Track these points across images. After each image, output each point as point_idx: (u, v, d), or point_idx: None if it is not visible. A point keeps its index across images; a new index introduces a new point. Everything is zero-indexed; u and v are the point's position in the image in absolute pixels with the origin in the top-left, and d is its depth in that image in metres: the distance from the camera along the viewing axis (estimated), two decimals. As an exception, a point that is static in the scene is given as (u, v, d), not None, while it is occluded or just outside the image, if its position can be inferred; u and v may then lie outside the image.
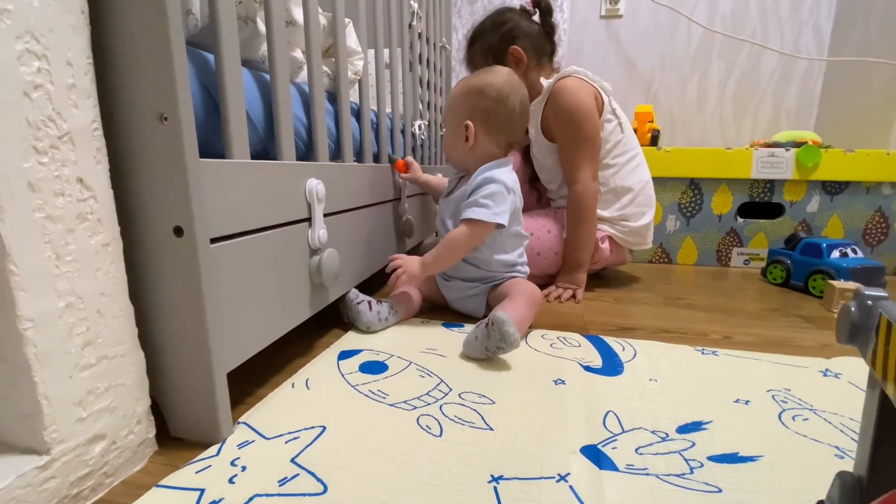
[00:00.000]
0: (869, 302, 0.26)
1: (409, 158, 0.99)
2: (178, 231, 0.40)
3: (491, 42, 1.07)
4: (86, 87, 0.37)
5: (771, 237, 1.34)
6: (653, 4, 1.77)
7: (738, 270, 1.34)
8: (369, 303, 0.74)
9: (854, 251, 1.03)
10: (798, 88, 1.76)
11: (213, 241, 0.43)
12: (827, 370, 0.62)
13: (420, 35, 1.26)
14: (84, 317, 0.37)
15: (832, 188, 1.30)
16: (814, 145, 1.28)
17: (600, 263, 1.07)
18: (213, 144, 0.48)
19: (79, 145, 0.36)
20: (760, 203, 1.35)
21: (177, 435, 0.46)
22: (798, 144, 1.30)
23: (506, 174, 0.78)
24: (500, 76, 0.79)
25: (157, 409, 0.45)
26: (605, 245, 1.05)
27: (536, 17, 1.09)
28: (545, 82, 1.05)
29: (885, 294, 0.26)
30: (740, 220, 1.35)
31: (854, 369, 0.63)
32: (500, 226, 0.75)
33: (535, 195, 1.23)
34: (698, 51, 1.81)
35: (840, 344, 0.27)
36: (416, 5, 1.18)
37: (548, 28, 1.08)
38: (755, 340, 0.75)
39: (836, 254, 1.02)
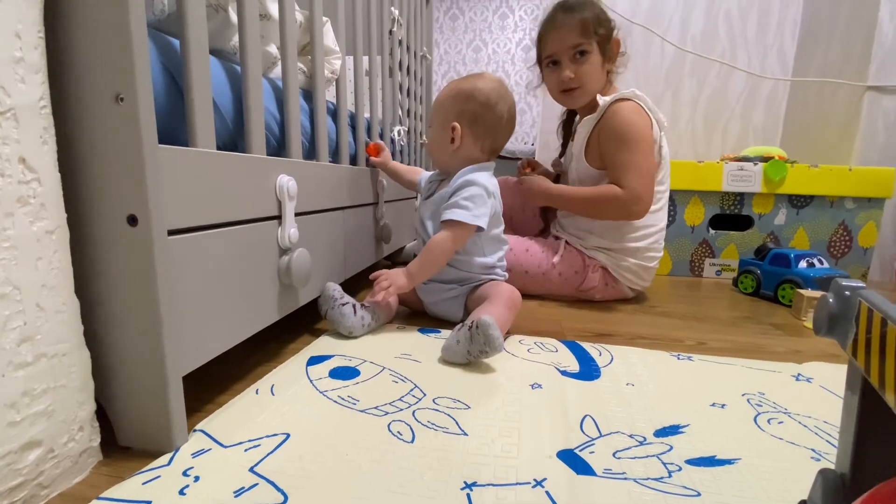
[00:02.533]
0: (847, 292, 0.26)
1: (381, 143, 0.98)
2: (132, 220, 0.38)
3: (603, 18, 0.96)
4: (35, 62, 0.34)
5: (741, 248, 1.38)
6: (628, 23, 1.83)
7: (710, 280, 1.36)
8: (354, 306, 0.71)
9: (820, 261, 1.06)
10: (764, 107, 1.83)
11: (172, 232, 0.40)
12: (799, 374, 0.63)
13: (400, 42, 1.26)
14: (21, 310, 0.33)
15: (798, 202, 1.34)
16: (780, 160, 1.33)
17: (587, 292, 1.02)
18: (177, 133, 0.46)
19: (23, 123, 0.34)
20: (731, 215, 1.38)
21: (125, 444, 0.42)
22: (766, 159, 1.35)
23: (486, 178, 0.78)
24: (490, 82, 0.80)
25: (103, 414, 0.41)
26: (597, 274, 1.00)
27: None
28: (601, 99, 0.97)
29: (863, 284, 0.26)
30: (712, 231, 1.38)
31: (825, 374, 0.63)
32: (479, 228, 0.75)
33: (540, 223, 1.20)
34: (671, 69, 1.87)
35: (819, 336, 0.27)
36: (396, 12, 1.18)
37: None
38: (728, 346, 0.76)
39: (803, 264, 1.05)
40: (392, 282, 0.73)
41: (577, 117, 1.07)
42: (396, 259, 1.42)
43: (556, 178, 1.18)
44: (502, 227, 0.84)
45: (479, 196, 0.75)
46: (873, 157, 1.41)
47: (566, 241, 1.04)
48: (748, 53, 1.80)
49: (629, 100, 0.96)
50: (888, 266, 1.42)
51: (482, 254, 0.80)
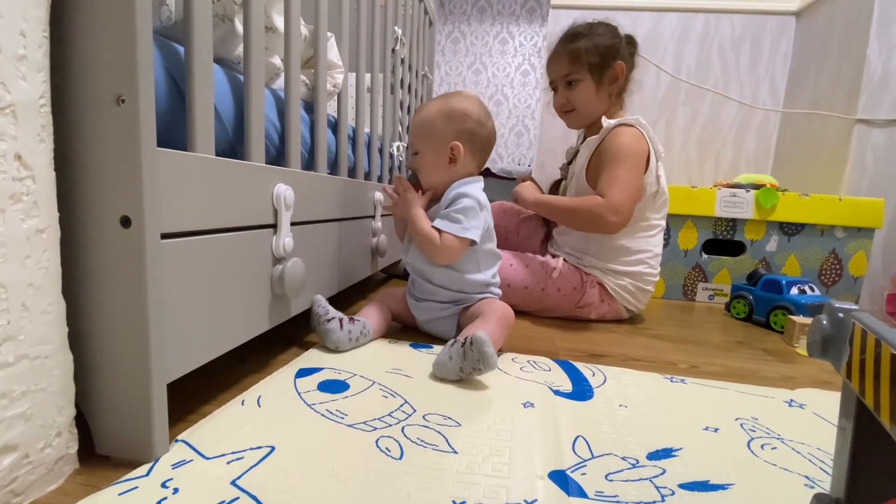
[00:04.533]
0: (840, 314, 0.26)
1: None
2: (126, 222, 0.37)
3: (602, 44, 1.00)
4: (38, 60, 0.34)
5: (734, 273, 1.39)
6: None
7: (703, 305, 1.37)
8: (340, 321, 0.70)
9: (812, 289, 1.07)
10: (756, 136, 1.87)
11: (165, 236, 0.40)
12: (792, 401, 0.63)
13: (403, 61, 1.28)
14: (5, 308, 0.33)
15: (789, 229, 1.36)
16: (772, 188, 1.35)
17: (584, 308, 1.02)
18: (176, 138, 0.46)
19: (21, 120, 0.33)
20: (723, 240, 1.39)
21: (103, 452, 0.41)
22: (757, 186, 1.37)
23: (479, 191, 0.79)
24: (476, 102, 0.81)
25: (82, 421, 0.40)
26: (595, 290, 1.02)
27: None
28: (606, 122, 1.00)
29: (856, 306, 0.26)
30: (705, 255, 1.40)
31: (817, 400, 0.63)
32: (472, 243, 0.75)
33: (544, 232, 1.22)
34: (666, 97, 1.91)
35: (813, 358, 0.27)
36: (399, 31, 1.20)
37: (632, 65, 1.05)
38: (721, 370, 0.75)
39: (794, 290, 1.06)
40: (404, 205, 0.77)
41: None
42: (392, 271, 1.42)
43: (558, 183, 1.20)
44: (495, 241, 0.84)
45: (472, 209, 0.75)
46: (862, 187, 1.44)
47: (563, 259, 1.05)
48: (741, 84, 1.86)
49: (632, 126, 0.99)
50: (878, 296, 1.43)
51: (478, 270, 0.80)
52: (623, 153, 0.96)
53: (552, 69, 1.07)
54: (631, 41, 1.05)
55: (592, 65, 1.01)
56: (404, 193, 0.78)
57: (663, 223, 1.06)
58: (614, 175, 0.96)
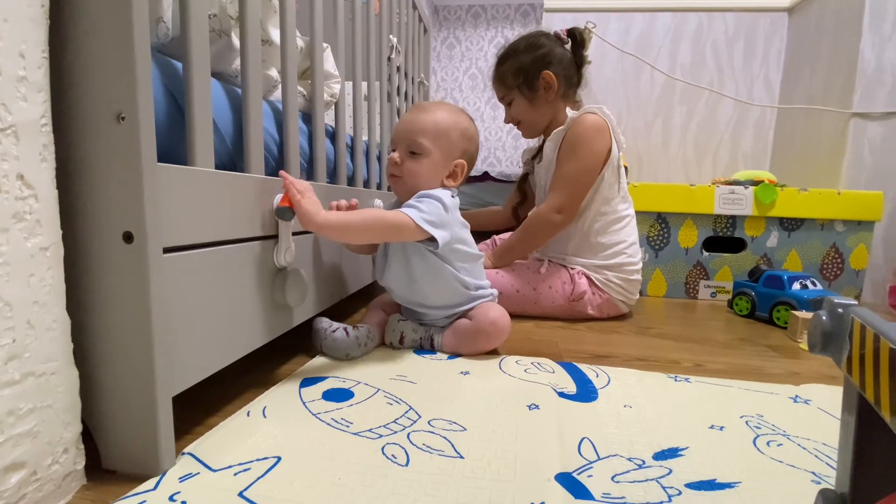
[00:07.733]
0: (840, 310, 0.26)
1: (355, 201, 0.76)
2: (128, 237, 0.38)
3: (524, 63, 1.06)
4: (38, 81, 0.35)
5: (735, 270, 1.39)
6: (619, 52, 1.89)
7: (705, 303, 1.36)
8: (345, 329, 0.70)
9: (813, 283, 1.07)
10: (753, 133, 1.88)
11: (167, 250, 0.40)
12: (797, 396, 0.63)
13: (398, 68, 1.29)
14: (11, 326, 0.33)
15: (789, 224, 1.36)
16: (770, 184, 1.35)
17: (580, 301, 1.03)
18: (176, 153, 0.46)
19: (23, 140, 0.34)
20: (724, 237, 1.40)
21: (110, 467, 0.41)
22: (756, 183, 1.37)
23: (447, 196, 0.72)
24: (469, 118, 0.79)
25: (89, 436, 0.40)
26: (584, 280, 1.04)
27: (568, 46, 1.08)
28: (571, 113, 1.05)
29: (855, 301, 0.26)
30: (706, 253, 1.39)
31: (823, 396, 0.63)
32: (432, 240, 0.68)
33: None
34: (661, 96, 1.92)
35: (813, 354, 0.27)
36: (395, 39, 1.21)
37: (578, 59, 1.09)
38: (725, 368, 0.75)
39: (796, 286, 1.06)
40: (300, 199, 0.59)
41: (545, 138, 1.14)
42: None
43: (525, 177, 1.24)
44: (468, 244, 0.77)
45: (434, 204, 0.69)
46: (860, 180, 1.44)
47: (548, 260, 1.08)
48: (735, 82, 1.86)
49: (594, 113, 1.03)
50: (880, 288, 1.43)
51: (456, 272, 0.74)
52: (580, 146, 1.01)
53: (495, 91, 1.15)
54: (573, 38, 1.08)
55: (519, 85, 1.07)
56: (293, 190, 0.59)
57: (632, 210, 1.10)
58: (567, 173, 1.03)
